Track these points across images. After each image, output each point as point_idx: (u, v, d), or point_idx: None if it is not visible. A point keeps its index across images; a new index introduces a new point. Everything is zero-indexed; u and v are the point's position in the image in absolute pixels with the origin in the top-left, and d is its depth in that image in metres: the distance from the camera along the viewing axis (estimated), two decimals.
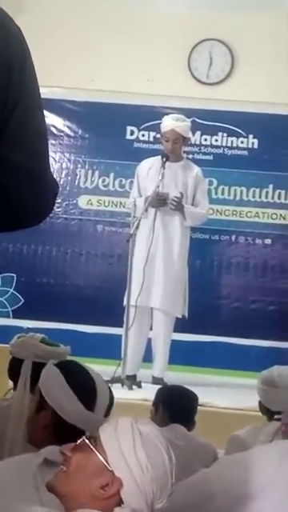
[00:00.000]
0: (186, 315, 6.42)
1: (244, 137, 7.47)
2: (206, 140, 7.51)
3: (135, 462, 1.78)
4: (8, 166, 1.62)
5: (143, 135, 7.54)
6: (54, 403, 2.38)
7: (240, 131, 7.47)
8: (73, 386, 2.40)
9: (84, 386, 2.43)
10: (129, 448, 1.79)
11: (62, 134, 7.54)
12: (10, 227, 1.71)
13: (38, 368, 2.79)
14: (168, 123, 6.43)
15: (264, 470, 2.27)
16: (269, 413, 3.43)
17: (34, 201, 1.67)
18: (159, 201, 6.30)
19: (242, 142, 7.48)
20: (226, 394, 6.11)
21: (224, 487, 2.26)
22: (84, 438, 1.84)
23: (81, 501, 1.78)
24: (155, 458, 1.80)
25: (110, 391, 2.52)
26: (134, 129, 7.56)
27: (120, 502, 1.79)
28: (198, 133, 7.46)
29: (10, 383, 3.21)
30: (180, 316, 6.41)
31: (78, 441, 1.85)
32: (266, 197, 7.43)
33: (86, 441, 1.83)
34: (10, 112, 1.60)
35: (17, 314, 7.37)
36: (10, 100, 1.61)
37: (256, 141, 7.46)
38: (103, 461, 1.79)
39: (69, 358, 3.05)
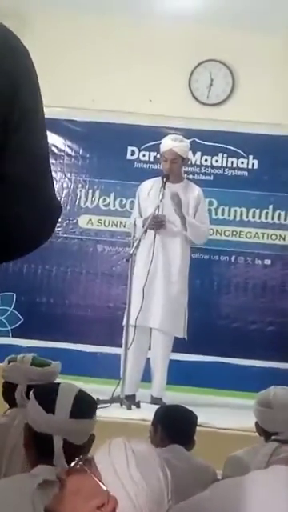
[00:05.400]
0: (186, 336, 6.41)
1: (244, 157, 7.50)
2: (206, 160, 7.53)
3: (129, 480, 1.79)
4: (9, 183, 1.63)
5: (144, 155, 7.56)
6: (27, 416, 2.53)
7: (240, 152, 7.49)
8: (35, 393, 2.53)
9: (44, 391, 2.55)
10: (123, 467, 1.80)
11: (62, 153, 7.55)
12: (12, 251, 1.71)
13: (31, 390, 2.82)
14: (167, 143, 6.43)
15: (256, 498, 2.26)
16: (265, 433, 3.43)
17: (35, 219, 1.67)
18: (156, 223, 6.29)
19: (242, 163, 7.50)
20: (224, 414, 6.09)
21: None
22: (77, 460, 1.85)
23: None
24: (150, 476, 1.81)
25: (83, 394, 2.54)
26: (135, 149, 7.58)
27: None
28: (199, 153, 7.48)
29: None
30: (180, 336, 6.40)
31: (72, 463, 1.86)
32: (266, 217, 7.44)
33: (80, 463, 1.84)
34: (13, 130, 1.62)
35: (16, 333, 7.36)
36: (15, 117, 1.62)
37: (256, 161, 7.48)
38: (98, 481, 1.79)
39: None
